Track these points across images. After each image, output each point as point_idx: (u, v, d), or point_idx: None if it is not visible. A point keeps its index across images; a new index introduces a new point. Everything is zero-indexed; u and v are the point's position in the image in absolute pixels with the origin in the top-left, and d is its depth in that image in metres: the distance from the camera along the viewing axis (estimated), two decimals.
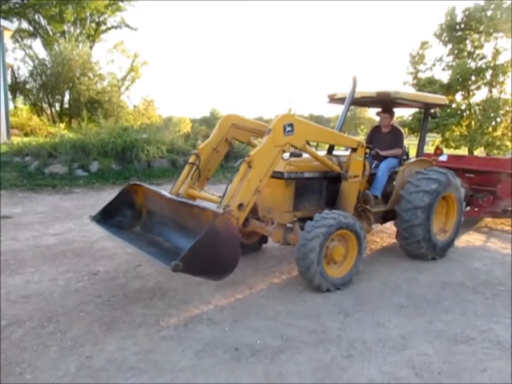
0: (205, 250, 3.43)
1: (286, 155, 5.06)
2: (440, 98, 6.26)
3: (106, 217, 4.68)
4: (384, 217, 6.05)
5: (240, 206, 3.97)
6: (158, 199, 4.59)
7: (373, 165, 5.88)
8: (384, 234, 7.05)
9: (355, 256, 4.69)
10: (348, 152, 5.72)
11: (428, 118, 6.39)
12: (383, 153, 5.87)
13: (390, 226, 6.85)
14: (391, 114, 6.16)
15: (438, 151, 6.95)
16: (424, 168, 5.87)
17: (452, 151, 15.43)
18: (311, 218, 4.73)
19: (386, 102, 5.99)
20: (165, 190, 4.65)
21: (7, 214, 7.46)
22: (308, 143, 4.66)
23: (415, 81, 17.05)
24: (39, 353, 3.21)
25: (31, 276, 4.75)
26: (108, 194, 9.50)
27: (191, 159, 4.82)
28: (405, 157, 6.15)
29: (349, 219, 4.54)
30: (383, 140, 6.09)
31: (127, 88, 30.17)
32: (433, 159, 6.49)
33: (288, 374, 3.02)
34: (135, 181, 4.93)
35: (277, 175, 4.67)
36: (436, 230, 5.80)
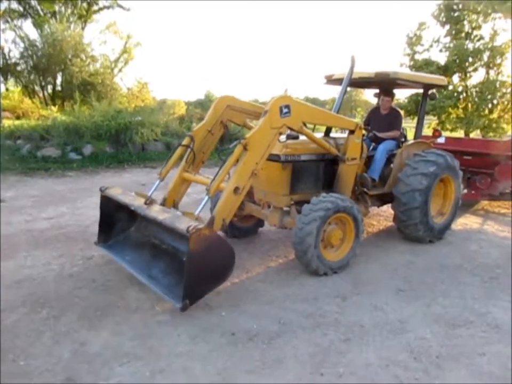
0: (198, 274, 3.41)
1: (283, 137, 4.97)
2: (440, 79, 6.16)
3: (106, 235, 4.59)
4: (382, 200, 5.98)
5: (236, 189, 3.89)
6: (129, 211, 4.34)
7: (371, 147, 5.80)
8: (381, 217, 7.01)
9: (352, 240, 4.64)
10: (345, 135, 5.65)
11: (426, 99, 6.29)
12: (381, 135, 5.78)
13: (386, 209, 6.80)
14: (392, 96, 6.06)
15: (436, 133, 6.84)
16: (422, 151, 5.79)
17: (448, 134, 15.33)
18: (308, 202, 4.66)
19: (385, 83, 5.88)
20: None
21: (0, 198, 7.35)
22: (304, 125, 4.56)
23: (411, 63, 16.83)
24: (33, 340, 3.16)
25: (24, 260, 4.68)
26: (101, 178, 9.43)
27: (185, 141, 4.70)
28: (403, 139, 6.07)
29: (346, 202, 4.48)
30: (382, 121, 6.00)
31: (120, 70, 29.62)
32: (431, 141, 6.41)
33: (286, 359, 2.99)
34: (104, 188, 4.70)
35: (273, 158, 4.58)
36: (434, 212, 5.77)
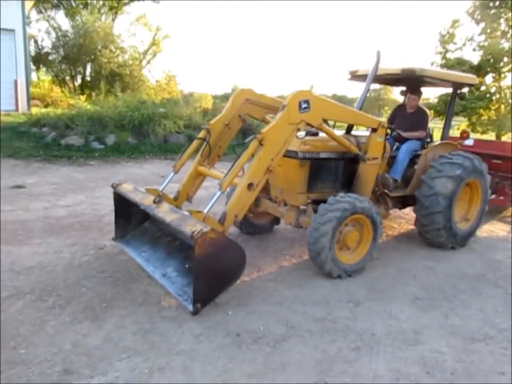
0: (207, 278, 3.31)
1: (301, 133, 4.82)
2: (470, 78, 5.87)
3: (123, 230, 4.60)
4: (403, 203, 5.77)
5: (250, 185, 3.77)
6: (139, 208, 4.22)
7: (394, 147, 5.59)
8: (402, 220, 6.78)
9: (369, 243, 4.46)
10: (367, 133, 5.45)
11: (455, 99, 6.01)
12: (405, 134, 5.55)
13: (408, 211, 6.57)
14: (419, 95, 5.81)
15: (464, 135, 6.54)
16: (449, 152, 5.54)
17: (477, 136, 14.81)
18: (325, 201, 4.52)
19: (411, 80, 5.63)
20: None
21: (21, 184, 7.45)
22: (325, 121, 4.39)
23: (443, 62, 16.34)
24: (36, 328, 3.13)
25: (37, 247, 4.69)
26: (122, 168, 9.48)
27: (201, 134, 4.60)
28: (428, 140, 5.82)
29: (365, 203, 4.30)
30: (407, 120, 5.77)
31: (148, 62, 29.91)
32: (459, 143, 6.13)
33: (290, 365, 2.86)
34: (115, 185, 4.56)
35: (291, 155, 4.44)
36: (457, 218, 5.51)
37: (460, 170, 5.18)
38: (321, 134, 4.78)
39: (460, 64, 15.10)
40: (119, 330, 3.16)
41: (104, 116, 11.33)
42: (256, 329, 3.29)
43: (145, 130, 11.58)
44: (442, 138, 6.00)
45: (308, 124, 4.14)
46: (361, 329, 3.39)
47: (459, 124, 18.45)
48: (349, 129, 5.30)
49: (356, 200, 4.25)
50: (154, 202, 3.91)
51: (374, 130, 4.78)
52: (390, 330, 3.42)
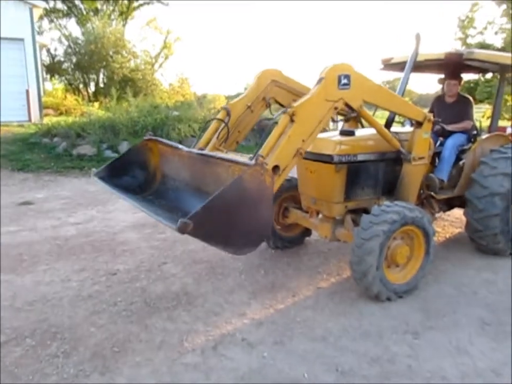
0: (224, 209, 2.65)
1: (335, 134, 4.21)
2: None
3: (112, 174, 3.86)
4: (449, 204, 5.10)
5: (275, 168, 3.09)
6: (176, 158, 3.82)
7: (437, 143, 4.92)
8: (446, 222, 6.09)
9: (422, 257, 3.82)
10: (405, 129, 4.82)
11: (504, 84, 5.31)
12: (449, 127, 4.87)
13: (451, 212, 5.88)
14: (460, 80, 5.13)
15: None
16: (501, 146, 4.85)
17: (505, 123, 13.90)
18: (365, 210, 3.90)
19: (454, 66, 4.95)
20: None
21: (30, 200, 7.02)
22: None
23: (464, 48, 15.54)
24: None
25: (42, 274, 4.19)
26: None
27: (220, 115, 4.00)
28: (474, 132, 5.13)
29: (415, 212, 3.65)
30: (448, 111, 5.07)
31: (160, 66, 29.57)
32: (510, 134, 5.42)
33: None
34: (151, 136, 4.12)
35: (324, 159, 3.83)
36: None
37: None
38: (358, 133, 4.17)
39: (482, 48, 14.27)
40: None
41: (116, 123, 10.86)
42: (299, 376, 2.69)
43: (159, 135, 11.03)
44: (491, 130, 5.29)
45: (347, 105, 3.49)
46: (428, 372, 2.76)
47: (484, 111, 17.56)
48: (388, 124, 4.53)
49: (405, 209, 3.60)
50: None
51: (418, 125, 4.12)
52: (464, 371, 2.78)
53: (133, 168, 4.00)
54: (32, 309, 3.52)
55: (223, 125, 3.95)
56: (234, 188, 2.66)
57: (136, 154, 4.04)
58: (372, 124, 3.84)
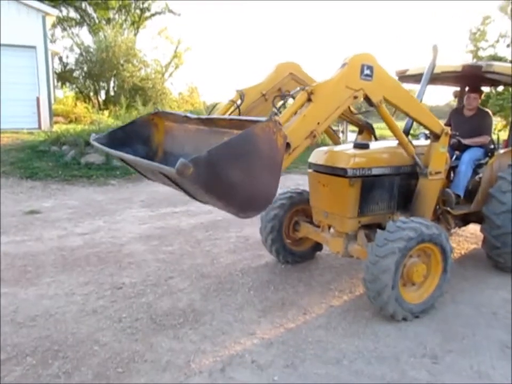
0: (230, 161, 2.41)
1: (349, 146, 4.09)
2: None
3: (112, 143, 3.59)
4: (465, 220, 4.94)
5: (287, 146, 2.84)
6: (182, 133, 3.64)
7: (453, 157, 4.77)
8: (460, 237, 5.91)
9: (439, 276, 3.66)
10: (421, 142, 4.69)
11: None
12: (466, 141, 4.73)
13: (465, 228, 5.70)
14: (481, 93, 4.99)
15: None
16: None
17: None
18: (378, 225, 3.77)
19: (472, 79, 4.83)
20: None
21: (37, 209, 6.95)
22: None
23: (475, 60, 15.44)
24: None
25: (46, 287, 4.08)
26: (145, 187, 8.90)
27: (234, 97, 3.87)
28: (492, 146, 4.97)
29: (432, 229, 3.50)
30: (466, 125, 4.94)
31: (170, 75, 29.76)
32: None
33: None
34: (157, 111, 3.91)
35: (338, 172, 3.71)
36: None
37: None
38: (372, 146, 4.05)
39: (494, 60, 14.16)
40: None
41: None
42: None
43: None
44: (508, 145, 5.14)
45: (366, 98, 3.35)
46: None
47: (495, 124, 17.41)
48: (405, 132, 4.32)
49: (422, 226, 3.46)
50: None
51: (435, 138, 3.98)
52: None
53: (134, 142, 3.78)
54: (34, 324, 3.41)
55: (234, 107, 3.81)
56: (242, 139, 2.45)
57: (139, 127, 3.82)
58: (388, 124, 3.66)
